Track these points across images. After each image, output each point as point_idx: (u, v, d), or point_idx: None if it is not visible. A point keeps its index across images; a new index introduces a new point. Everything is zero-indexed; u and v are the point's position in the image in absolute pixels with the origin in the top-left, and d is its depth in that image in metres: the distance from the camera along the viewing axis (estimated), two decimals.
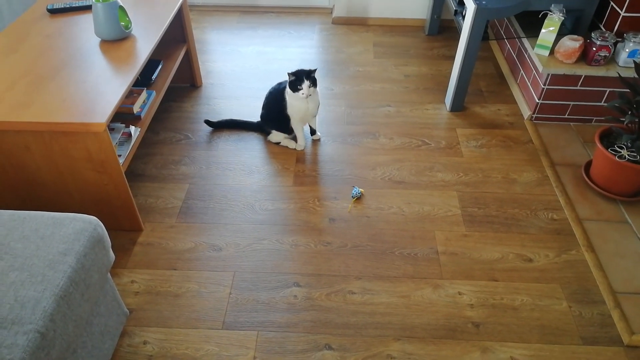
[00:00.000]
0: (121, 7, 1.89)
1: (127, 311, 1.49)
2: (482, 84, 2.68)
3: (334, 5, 3.25)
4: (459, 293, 1.65)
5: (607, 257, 1.76)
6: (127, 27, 1.93)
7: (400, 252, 1.78)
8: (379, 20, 3.24)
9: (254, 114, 2.43)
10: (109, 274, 1.33)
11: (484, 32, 2.19)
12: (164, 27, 2.00)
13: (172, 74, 2.25)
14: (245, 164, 2.15)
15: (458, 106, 2.46)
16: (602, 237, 1.83)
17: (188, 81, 2.63)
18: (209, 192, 2.01)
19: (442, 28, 3.18)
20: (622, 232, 1.85)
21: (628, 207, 1.94)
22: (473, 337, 1.53)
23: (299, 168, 2.13)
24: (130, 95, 1.94)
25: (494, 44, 3.03)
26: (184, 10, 2.33)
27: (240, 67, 2.81)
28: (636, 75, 1.83)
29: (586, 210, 1.93)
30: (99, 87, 1.63)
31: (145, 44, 1.89)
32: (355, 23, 3.25)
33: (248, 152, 2.21)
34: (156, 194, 2.00)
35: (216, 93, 2.60)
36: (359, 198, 1.99)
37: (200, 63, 2.82)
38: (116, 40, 1.91)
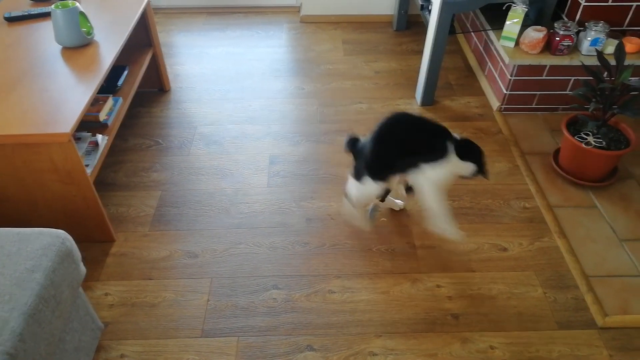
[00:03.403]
0: (82, 13, 1.84)
1: (102, 325, 1.46)
2: (451, 78, 2.71)
3: (301, 4, 3.23)
4: (437, 286, 1.67)
5: (579, 242, 1.80)
6: (89, 33, 1.88)
7: (378, 249, 1.79)
8: (347, 18, 3.24)
9: (225, 117, 2.40)
10: (80, 288, 1.29)
11: (450, 26, 2.21)
12: (128, 32, 1.96)
13: (139, 79, 2.20)
14: (218, 167, 2.12)
15: (428, 100, 2.48)
16: (572, 223, 1.87)
17: (156, 86, 2.58)
18: (182, 198, 1.98)
19: (410, 23, 3.20)
20: (591, 217, 1.89)
21: (596, 192, 1.99)
22: (453, 329, 1.54)
23: (274, 170, 2.12)
24: (96, 102, 1.89)
25: (461, 38, 3.06)
26: (148, 14, 2.29)
27: (209, 69, 2.77)
28: (599, 63, 1.87)
29: (556, 198, 1.97)
30: (61, 96, 1.59)
31: (108, 49, 1.85)
32: (323, 21, 3.24)
33: (221, 156, 2.18)
34: (128, 203, 1.95)
35: (186, 97, 2.56)
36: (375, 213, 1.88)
37: (168, 67, 2.77)
38: (78, 47, 1.86)
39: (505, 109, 2.41)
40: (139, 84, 2.48)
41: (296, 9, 3.36)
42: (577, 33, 2.19)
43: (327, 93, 2.59)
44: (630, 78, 1.83)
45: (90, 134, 1.79)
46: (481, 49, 2.68)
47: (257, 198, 1.98)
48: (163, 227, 1.86)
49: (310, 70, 2.77)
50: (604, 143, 1.91)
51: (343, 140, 2.27)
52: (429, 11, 2.34)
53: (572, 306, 1.61)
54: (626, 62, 1.96)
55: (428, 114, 2.43)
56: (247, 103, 2.51)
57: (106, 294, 1.63)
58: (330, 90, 2.61)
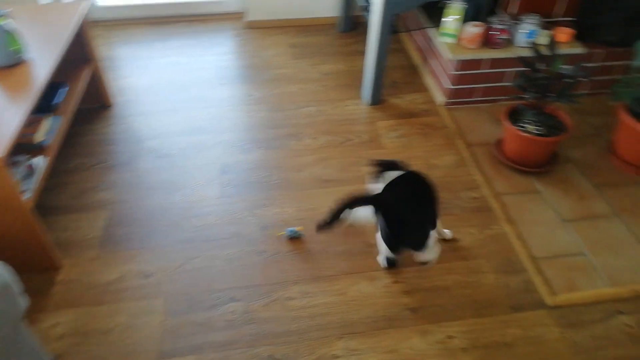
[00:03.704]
0: (9, 32, 1.76)
1: (52, 358, 1.39)
2: (397, 76, 2.75)
3: (245, 10, 3.21)
4: (394, 282, 1.69)
5: (525, 226, 1.87)
6: (19, 52, 1.80)
7: (334, 250, 1.80)
8: (292, 22, 3.24)
9: (173, 128, 2.36)
10: (23, 322, 1.23)
11: (392, 26, 2.24)
12: (62, 48, 1.88)
13: (79, 96, 2.13)
14: (168, 181, 2.08)
15: (376, 100, 2.52)
16: (518, 209, 1.93)
17: (98, 101, 2.50)
18: (131, 216, 1.92)
19: (354, 24, 3.23)
20: (535, 202, 1.97)
21: (539, 177, 2.07)
22: (411, 323, 1.57)
23: (225, 179, 2.09)
24: (32, 123, 1.81)
25: (404, 36, 3.12)
26: (84, 28, 2.21)
27: (154, 80, 2.71)
28: (533, 54, 1.94)
29: (502, 185, 2.04)
30: None
31: (42, 67, 1.77)
32: (268, 26, 3.23)
33: (170, 169, 2.14)
34: (74, 226, 1.88)
35: (131, 110, 2.49)
36: (297, 238, 1.83)
37: (111, 80, 2.69)
38: (8, 66, 1.77)
39: (450, 104, 2.48)
40: (80, 101, 2.39)
41: (240, 15, 3.34)
42: (513, 26, 2.28)
43: (276, 98, 2.58)
44: (564, 66, 1.91)
45: (27, 156, 1.71)
46: (424, 46, 2.74)
47: (210, 210, 1.95)
48: (113, 248, 1.80)
49: (257, 76, 2.75)
50: (542, 130, 1.99)
51: (294, 144, 2.27)
52: (371, 12, 2.37)
53: (522, 289, 1.67)
54: (558, 52, 2.04)
55: (376, 113, 2.47)
56: (195, 113, 2.47)
57: (55, 325, 1.56)
58: (279, 95, 2.61)
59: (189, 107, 2.50)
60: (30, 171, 1.68)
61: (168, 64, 2.85)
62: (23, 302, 1.18)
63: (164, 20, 3.29)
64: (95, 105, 2.51)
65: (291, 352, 1.49)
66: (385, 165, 1.71)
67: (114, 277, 1.70)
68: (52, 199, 2.00)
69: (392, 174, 1.65)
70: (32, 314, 1.59)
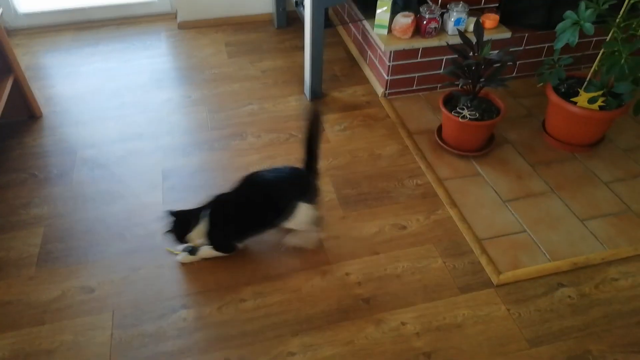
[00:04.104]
0: None
1: None
2: (337, 69, 2.77)
3: (177, 10, 3.12)
4: (347, 274, 1.70)
5: (469, 209, 1.93)
6: None
7: (285, 248, 1.78)
8: (227, 20, 3.19)
9: (108, 137, 2.26)
10: None
11: (325, 19, 2.25)
12: None
13: (1, 108, 2.00)
14: (106, 192, 1.99)
15: (317, 94, 2.52)
16: (461, 192, 2.00)
17: (25, 113, 2.36)
18: (69, 230, 1.83)
19: (290, 20, 3.21)
20: (477, 184, 2.04)
21: (478, 160, 2.15)
22: (365, 313, 1.58)
23: (168, 184, 2.03)
24: None
25: (341, 29, 3.14)
26: (1, 36, 2.07)
27: (85, 88, 2.59)
28: (462, 42, 2.00)
29: (444, 171, 2.09)
30: None
31: None
32: (202, 25, 3.16)
33: (108, 179, 2.05)
34: (7, 246, 1.77)
35: (61, 121, 2.36)
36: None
37: (37, 90, 2.54)
38: None
39: (389, 94, 2.52)
40: (5, 114, 2.25)
41: (172, 16, 3.24)
42: (442, 15, 2.34)
43: (216, 98, 2.53)
44: (492, 52, 1.98)
45: None
46: (360, 38, 2.77)
47: (154, 217, 1.88)
48: (51, 265, 1.70)
49: (195, 77, 2.69)
50: (477, 115, 2.06)
51: (238, 144, 2.23)
52: (303, 7, 2.36)
53: (469, 270, 1.72)
54: (486, 38, 2.12)
55: (319, 108, 2.47)
56: (131, 119, 2.37)
57: None
58: (219, 95, 2.56)
59: (123, 114, 2.41)
60: None
61: (98, 70, 2.73)
62: None
63: (90, 25, 3.14)
64: (23, 117, 2.37)
65: (247, 353, 1.47)
66: (181, 216, 1.62)
67: (55, 295, 1.61)
68: None
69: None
70: None
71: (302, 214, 1.65)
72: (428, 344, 1.50)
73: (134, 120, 2.36)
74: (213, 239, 1.64)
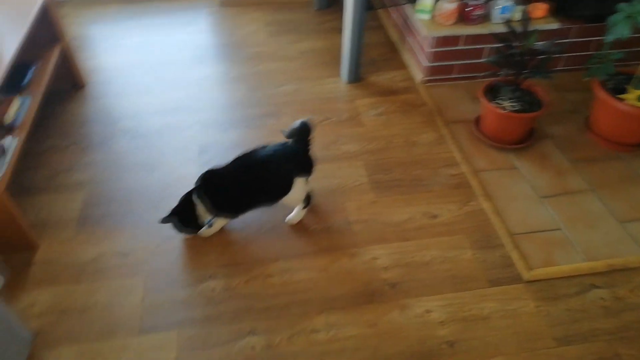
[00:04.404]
0: None
1: (30, 335, 1.38)
2: (376, 53, 2.74)
3: None
4: (374, 258, 1.70)
5: (503, 202, 1.89)
6: None
7: (314, 228, 1.80)
8: None
9: (148, 109, 2.31)
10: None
11: (367, 3, 2.22)
12: (27, 28, 1.82)
13: (49, 77, 2.06)
14: (144, 162, 2.04)
15: (355, 77, 2.50)
16: (497, 185, 1.96)
17: (70, 82, 2.43)
18: (108, 197, 1.89)
19: (330, 1, 3.19)
20: (513, 178, 1.99)
21: (516, 154, 2.10)
22: (391, 298, 1.58)
23: (203, 159, 2.06)
24: (0, 104, 1.76)
25: (382, 13, 3.09)
26: (49, 7, 2.13)
27: (127, 60, 2.64)
28: (508, 30, 1.95)
29: (481, 162, 2.06)
30: None
31: (6, 48, 1.71)
32: (243, 4, 3.17)
33: (146, 150, 2.10)
34: (49, 207, 1.84)
35: (104, 91, 2.43)
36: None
37: (83, 61, 2.62)
38: None
39: (428, 81, 2.48)
40: (51, 82, 2.33)
41: None
42: (487, 1, 2.28)
43: (254, 77, 2.55)
44: (538, 42, 1.92)
45: None
46: (401, 23, 2.73)
47: (188, 189, 1.92)
48: (89, 228, 1.77)
49: (234, 55, 2.71)
50: (519, 106, 2.01)
51: (273, 123, 2.25)
52: None
53: (500, 264, 1.70)
54: (533, 27, 2.05)
55: (355, 91, 2.46)
56: (171, 93, 2.42)
57: (33, 303, 1.54)
58: (257, 73, 2.57)
59: (164, 87, 2.45)
60: (1, 151, 1.63)
61: (140, 44, 2.78)
62: None
63: None
64: (68, 86, 2.44)
65: (272, 326, 1.49)
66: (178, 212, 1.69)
67: (91, 256, 1.68)
68: (27, 181, 1.95)
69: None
70: (10, 293, 1.56)
71: (298, 189, 1.69)
72: (452, 333, 1.49)
73: (174, 94, 2.41)
74: (214, 209, 1.67)
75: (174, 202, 1.86)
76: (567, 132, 2.20)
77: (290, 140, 1.70)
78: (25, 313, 1.52)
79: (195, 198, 1.66)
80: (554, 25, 2.30)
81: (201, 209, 1.66)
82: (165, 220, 1.66)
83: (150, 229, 1.77)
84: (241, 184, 1.65)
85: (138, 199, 1.88)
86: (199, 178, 1.68)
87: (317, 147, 2.12)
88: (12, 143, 1.67)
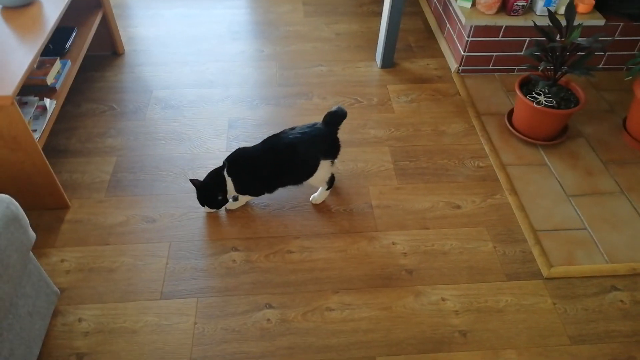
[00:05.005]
0: None
1: (58, 290, 1.45)
2: (411, 39, 2.71)
3: None
4: (393, 243, 1.71)
5: (529, 198, 1.87)
6: None
7: (337, 209, 1.82)
8: None
9: (182, 80, 2.35)
10: (31, 253, 1.27)
11: None
12: None
13: (89, 42, 2.12)
14: (175, 132, 2.09)
15: (388, 63, 2.48)
16: (523, 180, 1.93)
17: (109, 49, 2.49)
18: (138, 163, 1.94)
19: None
20: (542, 174, 1.96)
21: (547, 150, 2.06)
22: (407, 283, 1.60)
23: (232, 133, 2.10)
24: (42, 65, 1.82)
25: None
26: None
27: (165, 31, 2.68)
28: (551, 23, 1.90)
29: (509, 156, 2.03)
30: (2, 58, 1.51)
31: (52, 9, 1.76)
32: None
33: (178, 120, 2.14)
34: (82, 169, 1.91)
35: (140, 60, 2.48)
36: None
37: (121, 29, 2.67)
38: (19, 6, 1.77)
39: (463, 71, 2.44)
40: (91, 47, 2.39)
41: None
42: None
43: (287, 55, 2.56)
44: (581, 38, 1.87)
45: (37, 98, 1.73)
46: (440, 10, 2.68)
47: (216, 162, 1.94)
48: (119, 193, 1.83)
49: (269, 33, 2.72)
50: (554, 102, 1.97)
51: (303, 103, 2.26)
52: None
53: (520, 259, 1.69)
54: (577, 22, 2.00)
55: (388, 77, 2.44)
56: (205, 66, 2.45)
57: (62, 260, 1.61)
58: (290, 52, 2.58)
59: (199, 60, 2.49)
60: (41, 112, 1.69)
61: (179, 16, 2.82)
62: (31, 234, 1.21)
63: None
64: (107, 52, 2.50)
65: (288, 301, 1.53)
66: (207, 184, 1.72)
67: (119, 220, 1.74)
68: (62, 142, 2.02)
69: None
70: (41, 249, 1.64)
71: (323, 171, 1.72)
72: (465, 322, 1.50)
73: (208, 68, 2.44)
74: (241, 188, 1.71)
75: (201, 174, 1.91)
76: (601, 132, 2.15)
77: (319, 123, 1.71)
78: (54, 269, 1.59)
79: (226, 174, 1.69)
80: (600, 21, 2.23)
81: (230, 186, 1.70)
82: (195, 183, 1.70)
83: (178, 197, 1.82)
84: (269, 167, 1.68)
85: (167, 167, 1.93)
86: (229, 155, 1.70)
87: (345, 130, 2.13)
88: (51, 104, 1.73)
